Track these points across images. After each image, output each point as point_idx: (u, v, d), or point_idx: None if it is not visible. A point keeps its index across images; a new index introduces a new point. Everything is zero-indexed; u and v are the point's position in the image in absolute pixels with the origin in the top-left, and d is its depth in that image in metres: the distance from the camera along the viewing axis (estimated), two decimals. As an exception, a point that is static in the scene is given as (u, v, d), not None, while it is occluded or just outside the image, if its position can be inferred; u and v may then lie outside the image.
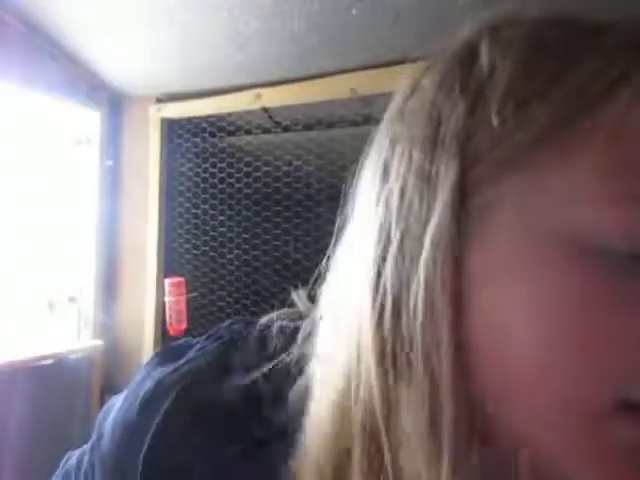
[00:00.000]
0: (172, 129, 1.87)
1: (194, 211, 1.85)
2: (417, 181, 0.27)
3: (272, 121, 1.65)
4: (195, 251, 1.85)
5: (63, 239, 1.96)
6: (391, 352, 0.26)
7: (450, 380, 0.24)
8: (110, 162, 2.00)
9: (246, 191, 1.74)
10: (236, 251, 1.79)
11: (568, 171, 0.23)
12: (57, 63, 1.75)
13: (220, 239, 1.81)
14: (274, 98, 1.58)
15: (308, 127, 1.60)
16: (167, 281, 1.76)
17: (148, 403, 0.36)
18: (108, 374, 1.91)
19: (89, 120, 1.96)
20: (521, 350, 0.23)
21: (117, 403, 0.40)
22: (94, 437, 0.41)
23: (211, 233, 1.83)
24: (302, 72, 1.51)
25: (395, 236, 0.27)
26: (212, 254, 1.83)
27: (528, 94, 0.25)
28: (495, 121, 0.25)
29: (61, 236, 1.96)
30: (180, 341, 0.41)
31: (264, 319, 0.39)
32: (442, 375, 0.24)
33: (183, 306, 1.75)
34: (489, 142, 0.25)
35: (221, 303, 1.81)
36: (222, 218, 1.80)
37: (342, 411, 0.29)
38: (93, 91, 1.92)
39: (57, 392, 1.78)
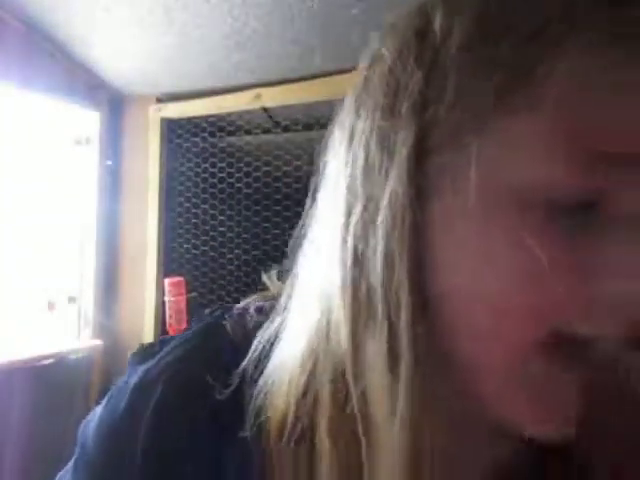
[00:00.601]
0: (172, 129, 1.86)
1: (194, 211, 1.85)
2: (379, 146, 0.28)
3: (272, 121, 1.65)
4: (195, 251, 1.85)
5: (63, 239, 1.96)
6: (357, 302, 0.29)
7: (408, 325, 0.26)
8: (110, 162, 2.00)
9: (246, 191, 1.74)
10: (236, 251, 1.79)
11: (522, 132, 0.24)
12: (57, 63, 1.75)
13: (220, 239, 1.81)
14: (274, 98, 1.58)
15: (308, 127, 1.60)
16: (167, 281, 1.76)
17: (136, 397, 0.35)
18: (108, 374, 1.91)
19: (89, 120, 1.96)
20: (473, 292, 0.26)
21: (98, 410, 0.38)
22: (76, 453, 0.38)
23: (211, 233, 1.83)
24: (302, 72, 1.51)
25: (360, 198, 0.29)
26: (212, 254, 1.83)
27: (476, 60, 0.26)
28: (448, 88, 0.26)
29: (61, 236, 1.96)
30: (156, 341, 0.41)
31: (241, 303, 0.40)
32: (400, 320, 0.27)
33: (183, 306, 1.75)
34: (444, 108, 0.26)
35: (221, 303, 1.81)
36: (222, 218, 1.80)
37: (313, 362, 0.31)
38: (93, 91, 1.92)
39: (57, 392, 1.78)
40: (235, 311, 0.39)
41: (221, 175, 1.77)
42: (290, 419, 0.31)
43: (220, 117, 1.75)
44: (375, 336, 0.28)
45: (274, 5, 1.30)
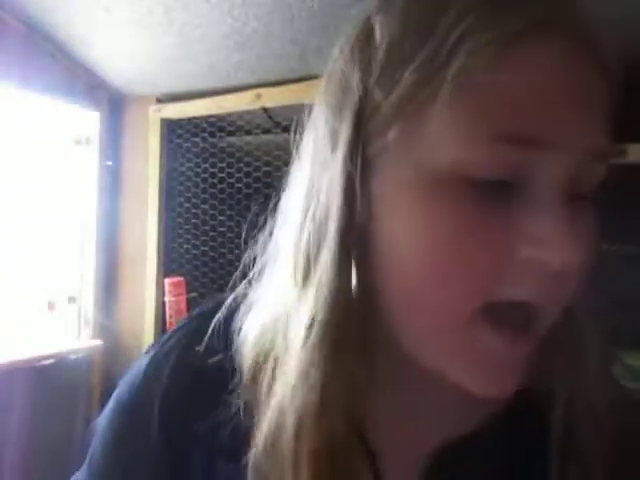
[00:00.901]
0: (172, 129, 1.86)
1: (194, 211, 1.85)
2: (329, 137, 0.33)
3: (272, 121, 1.65)
4: (195, 251, 1.85)
5: (63, 239, 1.96)
6: (295, 269, 0.33)
7: (326, 301, 0.30)
8: (110, 162, 2.00)
9: (246, 191, 1.74)
10: (236, 251, 1.79)
11: (445, 119, 0.28)
12: (57, 63, 1.75)
13: (220, 239, 1.81)
14: (274, 98, 1.58)
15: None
16: (167, 281, 1.76)
17: (150, 371, 0.39)
18: (108, 374, 1.91)
19: (89, 120, 1.95)
20: (409, 266, 0.28)
21: (109, 405, 0.42)
22: (89, 453, 0.41)
23: (211, 233, 1.82)
24: (302, 72, 1.51)
25: (315, 188, 0.33)
26: (212, 254, 1.83)
27: (399, 62, 0.30)
28: (381, 83, 0.31)
29: (61, 236, 1.96)
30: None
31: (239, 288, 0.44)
32: (320, 296, 0.31)
33: (183, 306, 1.75)
34: (378, 101, 0.30)
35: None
36: (222, 218, 1.80)
37: (265, 328, 0.36)
38: (93, 91, 1.92)
39: (57, 392, 1.78)
40: (231, 297, 0.43)
41: (221, 175, 1.77)
42: (246, 379, 0.36)
43: (220, 117, 1.75)
44: (303, 312, 0.32)
45: (274, 5, 1.30)
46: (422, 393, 0.34)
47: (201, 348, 0.38)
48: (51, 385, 1.77)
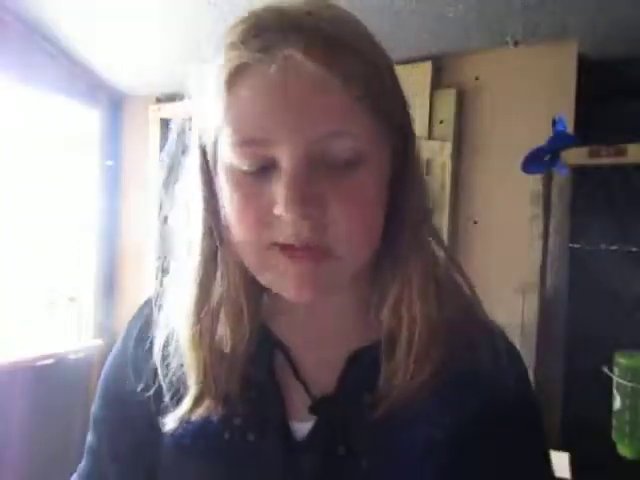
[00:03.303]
0: (171, 129, 1.86)
1: (194, 211, 1.85)
2: (196, 151, 0.47)
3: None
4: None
5: (63, 239, 1.96)
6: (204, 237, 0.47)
7: (200, 240, 0.46)
8: (110, 162, 2.00)
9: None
10: (236, 251, 1.78)
11: (223, 133, 0.42)
12: (57, 63, 1.75)
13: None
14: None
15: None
16: (167, 281, 1.76)
17: (123, 334, 0.60)
18: (108, 374, 1.91)
19: (89, 120, 1.96)
20: (228, 221, 0.44)
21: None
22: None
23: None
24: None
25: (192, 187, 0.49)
26: (212, 254, 1.82)
27: (212, 89, 0.44)
28: (208, 112, 0.44)
29: (61, 236, 1.96)
30: None
31: None
32: (195, 238, 0.47)
33: (183, 306, 1.75)
34: (207, 121, 0.45)
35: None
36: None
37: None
38: (93, 91, 1.92)
39: (57, 392, 1.78)
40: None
41: (221, 175, 1.77)
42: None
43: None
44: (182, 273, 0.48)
45: (274, 5, 1.30)
46: (313, 309, 0.48)
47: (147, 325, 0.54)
48: (51, 385, 1.77)
